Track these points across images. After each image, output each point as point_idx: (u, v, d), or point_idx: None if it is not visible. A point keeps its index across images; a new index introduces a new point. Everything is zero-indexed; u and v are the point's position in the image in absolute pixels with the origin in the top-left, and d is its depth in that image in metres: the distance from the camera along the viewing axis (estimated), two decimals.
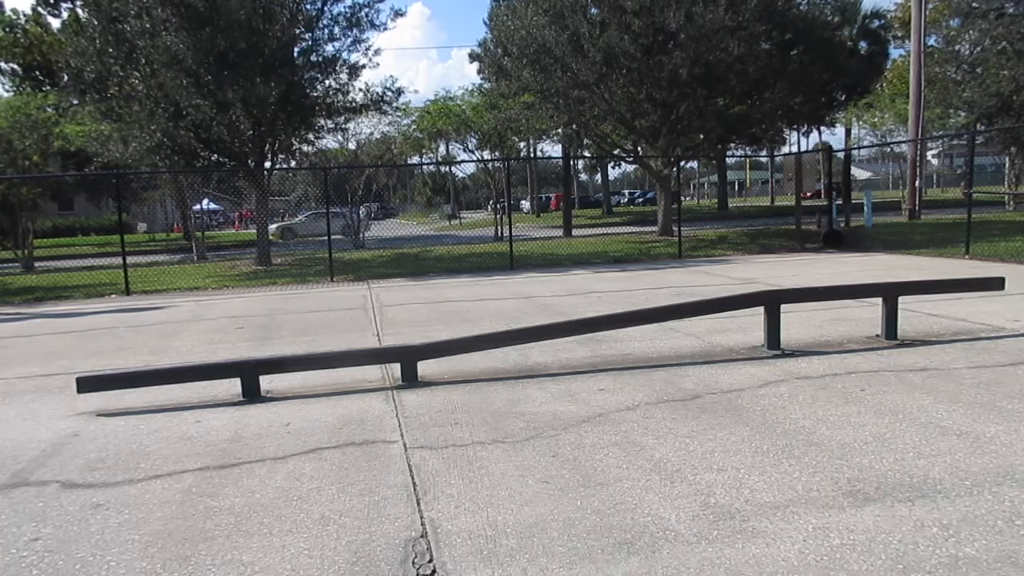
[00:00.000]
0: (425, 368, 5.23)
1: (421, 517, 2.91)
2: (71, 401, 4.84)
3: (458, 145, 37.08)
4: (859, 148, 41.32)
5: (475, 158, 36.85)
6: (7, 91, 30.07)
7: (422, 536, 2.75)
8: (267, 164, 17.16)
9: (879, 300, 5.96)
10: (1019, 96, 20.20)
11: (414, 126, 32.19)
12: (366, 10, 16.09)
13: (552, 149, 44.69)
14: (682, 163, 29.04)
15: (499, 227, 23.65)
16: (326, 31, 16.02)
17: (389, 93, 17.36)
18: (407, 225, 36.36)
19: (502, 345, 5.60)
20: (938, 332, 6.04)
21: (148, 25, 13.96)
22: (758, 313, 5.81)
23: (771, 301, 5.68)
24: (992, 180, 41.38)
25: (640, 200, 60.17)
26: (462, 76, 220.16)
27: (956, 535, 2.57)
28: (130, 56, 14.47)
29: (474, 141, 34.79)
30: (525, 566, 2.48)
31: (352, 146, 28.59)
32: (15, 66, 30.69)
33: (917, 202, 23.65)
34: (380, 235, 26.11)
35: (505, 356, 5.70)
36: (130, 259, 13.84)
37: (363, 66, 16.65)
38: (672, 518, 2.80)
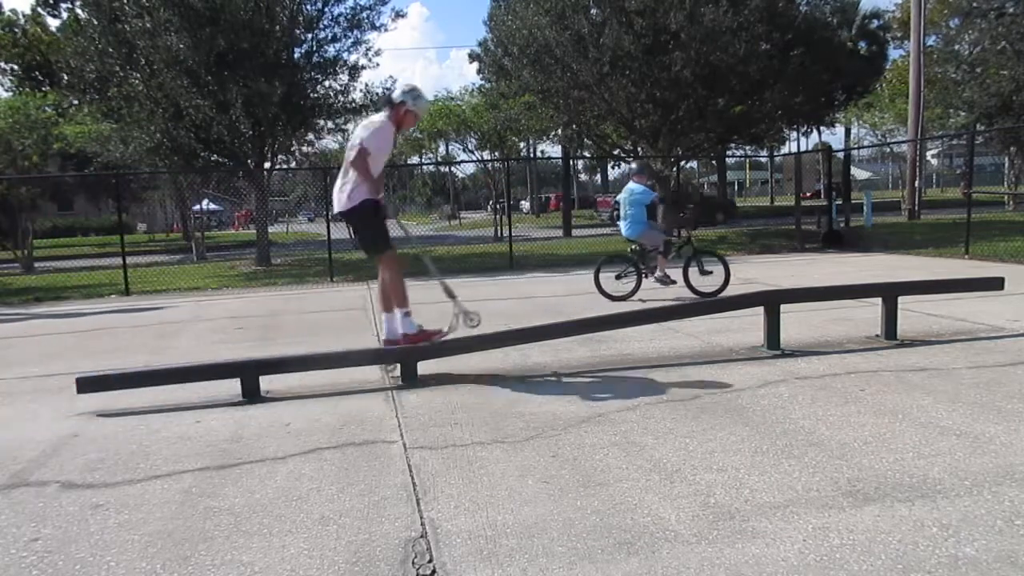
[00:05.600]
0: (425, 368, 5.23)
1: (421, 517, 2.91)
2: (71, 401, 4.83)
3: (458, 145, 37.07)
4: (859, 148, 41.36)
5: (475, 158, 36.83)
6: (6, 91, 30.08)
7: (422, 536, 2.75)
8: (267, 164, 17.16)
9: (879, 300, 5.95)
10: (1019, 96, 20.21)
11: (413, 126, 32.16)
12: (367, 12, 16.12)
13: (552, 149, 44.69)
14: (682, 163, 29.02)
15: (499, 227, 23.63)
16: (328, 32, 16.04)
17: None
18: (407, 225, 36.30)
19: (502, 345, 5.61)
20: (938, 332, 6.04)
21: (148, 25, 13.97)
22: (758, 313, 5.81)
23: (771, 301, 5.68)
24: (992, 180, 41.37)
25: None
26: (460, 77, 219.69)
27: (956, 535, 2.57)
28: (130, 56, 14.48)
29: (474, 141, 34.76)
30: (525, 566, 2.48)
31: None
32: (15, 66, 30.68)
33: (917, 202, 23.66)
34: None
35: (505, 356, 5.70)
36: (130, 259, 13.83)
37: (363, 67, 16.67)
38: (672, 518, 2.79)
